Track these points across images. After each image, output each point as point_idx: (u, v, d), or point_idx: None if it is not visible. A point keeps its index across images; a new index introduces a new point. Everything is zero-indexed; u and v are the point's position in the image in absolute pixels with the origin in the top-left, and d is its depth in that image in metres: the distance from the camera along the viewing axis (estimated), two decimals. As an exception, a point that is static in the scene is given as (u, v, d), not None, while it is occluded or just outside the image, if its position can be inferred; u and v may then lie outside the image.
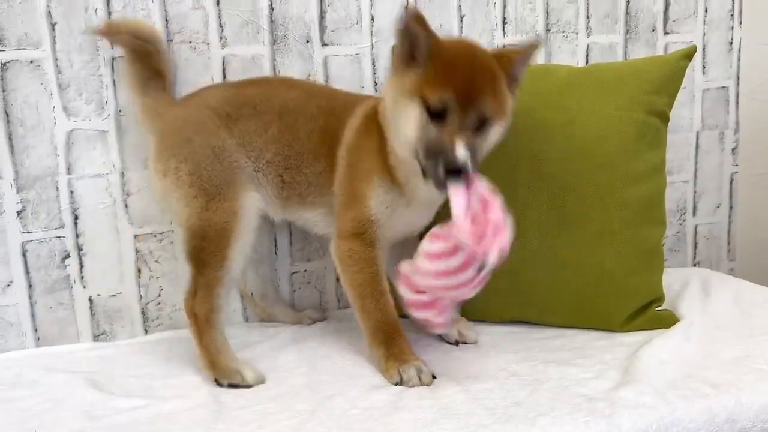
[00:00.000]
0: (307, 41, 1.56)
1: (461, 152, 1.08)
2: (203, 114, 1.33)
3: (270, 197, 1.37)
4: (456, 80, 1.12)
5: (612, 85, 1.45)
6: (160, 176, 1.32)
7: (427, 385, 1.18)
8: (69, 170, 1.45)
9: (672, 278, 1.61)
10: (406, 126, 1.16)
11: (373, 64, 1.62)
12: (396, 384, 1.18)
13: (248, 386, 1.21)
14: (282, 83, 1.43)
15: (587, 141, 1.40)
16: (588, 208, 1.38)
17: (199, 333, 1.27)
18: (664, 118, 1.48)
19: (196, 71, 1.50)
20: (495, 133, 1.19)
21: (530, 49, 1.21)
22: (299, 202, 1.38)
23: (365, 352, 1.32)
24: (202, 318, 1.26)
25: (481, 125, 1.15)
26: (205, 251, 1.27)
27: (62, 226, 1.46)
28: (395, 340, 1.24)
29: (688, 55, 1.50)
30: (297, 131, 1.34)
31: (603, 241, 1.38)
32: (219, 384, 1.23)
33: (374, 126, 1.29)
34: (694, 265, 1.91)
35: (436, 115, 1.12)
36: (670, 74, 1.48)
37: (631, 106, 1.42)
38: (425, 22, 1.13)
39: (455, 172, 1.07)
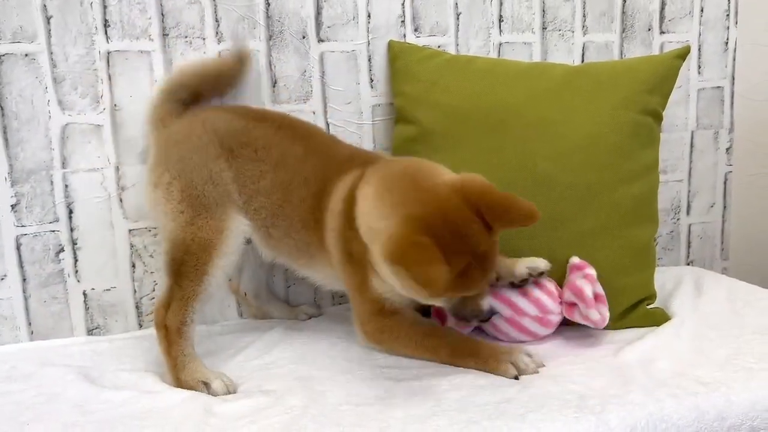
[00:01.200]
0: (304, 37, 1.56)
1: (486, 307, 1.19)
2: (207, 137, 1.32)
3: (259, 241, 1.36)
4: (471, 281, 1.11)
5: (606, 84, 1.47)
6: (152, 188, 1.32)
7: (542, 366, 1.20)
8: (64, 164, 1.45)
9: (665, 277, 1.62)
10: (429, 302, 1.20)
11: (369, 60, 1.62)
12: (515, 377, 1.16)
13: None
14: (288, 131, 1.36)
15: (580, 140, 1.41)
16: (580, 207, 1.38)
17: (168, 344, 1.24)
18: (658, 118, 1.49)
19: (192, 66, 1.50)
20: None
21: (523, 219, 1.12)
22: (290, 260, 1.38)
23: (358, 348, 1.33)
24: (173, 329, 1.24)
25: None
26: (186, 264, 1.25)
27: (57, 220, 1.46)
28: (478, 346, 1.23)
29: (682, 54, 1.51)
30: (290, 192, 1.31)
31: (594, 239, 1.39)
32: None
33: (352, 218, 1.21)
34: (688, 264, 1.92)
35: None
36: (663, 74, 1.49)
37: (624, 106, 1.43)
38: (436, 277, 1.03)
39: (485, 320, 1.23)
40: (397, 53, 1.60)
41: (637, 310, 1.40)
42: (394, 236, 1.07)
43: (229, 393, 1.18)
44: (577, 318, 1.29)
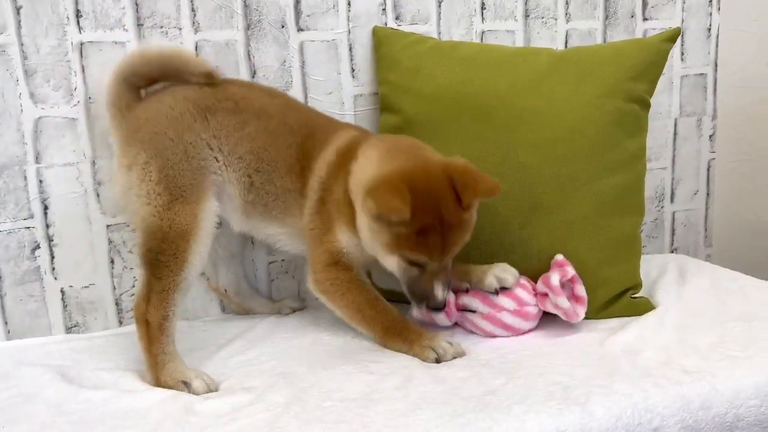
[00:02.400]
0: (283, 26, 1.53)
1: (440, 294, 1.22)
2: (180, 105, 1.29)
3: (235, 200, 1.33)
4: (430, 245, 1.19)
5: (590, 71, 1.44)
6: (125, 170, 1.27)
7: (461, 355, 1.23)
8: (37, 159, 1.41)
9: (649, 265, 1.62)
10: (386, 262, 1.25)
11: (350, 50, 1.59)
12: (435, 361, 1.21)
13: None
14: (264, 89, 1.42)
15: (562, 130, 1.39)
16: (562, 198, 1.37)
17: (148, 341, 1.20)
18: (645, 105, 1.46)
19: (168, 57, 1.46)
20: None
21: (486, 191, 1.22)
22: (263, 213, 1.36)
23: (342, 343, 1.31)
24: (155, 325, 1.20)
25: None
26: (165, 253, 1.22)
27: (31, 217, 1.42)
28: (408, 328, 1.28)
29: (672, 37, 1.46)
30: (276, 138, 1.33)
31: (577, 230, 1.38)
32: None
33: (345, 170, 1.29)
34: (672, 252, 1.92)
35: (414, 263, 1.21)
36: (651, 58, 1.45)
37: (609, 94, 1.41)
38: (397, 206, 1.13)
39: (436, 309, 1.26)
40: (381, 40, 1.58)
41: (620, 300, 1.39)
42: (377, 178, 1.19)
43: (210, 391, 1.16)
44: (549, 308, 1.30)
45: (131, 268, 1.50)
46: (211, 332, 1.44)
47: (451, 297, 1.33)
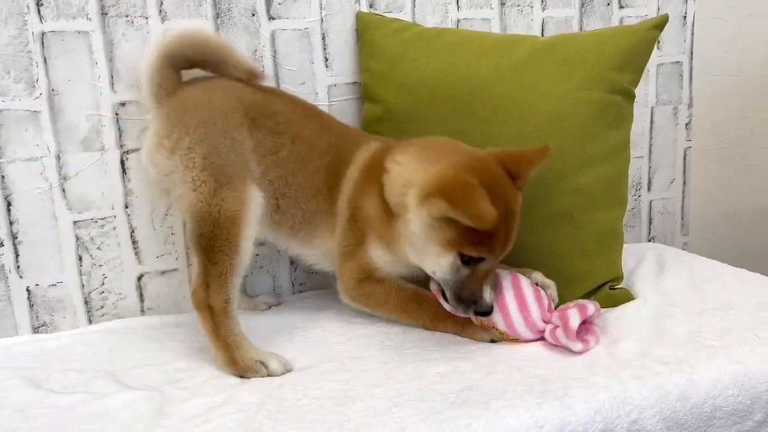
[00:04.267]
0: (253, 15, 1.49)
1: (488, 298, 1.18)
2: (232, 104, 1.28)
3: (263, 217, 1.31)
4: (493, 241, 1.15)
5: (573, 60, 1.39)
6: (166, 153, 1.24)
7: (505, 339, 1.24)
8: (-1, 154, 1.36)
9: (627, 254, 1.60)
10: (436, 265, 1.19)
11: (323, 39, 1.55)
12: (491, 341, 1.24)
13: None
14: (302, 108, 1.41)
15: (543, 122, 1.36)
16: (541, 192, 1.34)
17: (215, 327, 1.18)
18: (629, 96, 1.42)
19: (134, 47, 1.41)
20: None
21: (539, 156, 1.23)
22: (290, 234, 1.36)
23: (317, 338, 1.29)
24: (219, 309, 1.18)
25: None
26: (218, 238, 1.20)
27: (-6, 214, 1.37)
28: (451, 316, 1.26)
29: (659, 25, 1.41)
30: (305, 164, 1.33)
31: (557, 224, 1.36)
32: (243, 377, 1.16)
33: (374, 184, 1.28)
34: (649, 240, 1.93)
35: (469, 260, 1.17)
36: (636, 47, 1.39)
37: (591, 85, 1.36)
38: (486, 209, 1.08)
39: (484, 314, 1.20)
40: (364, 26, 1.54)
41: (599, 291, 1.39)
42: (443, 175, 1.15)
43: (287, 372, 1.16)
44: (558, 341, 1.20)
45: (100, 265, 1.46)
46: (184, 329, 1.41)
47: None
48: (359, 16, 1.55)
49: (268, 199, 1.31)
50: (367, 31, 1.54)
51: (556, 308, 1.25)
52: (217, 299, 1.19)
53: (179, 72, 1.32)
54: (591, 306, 1.22)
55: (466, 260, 1.16)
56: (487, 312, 1.19)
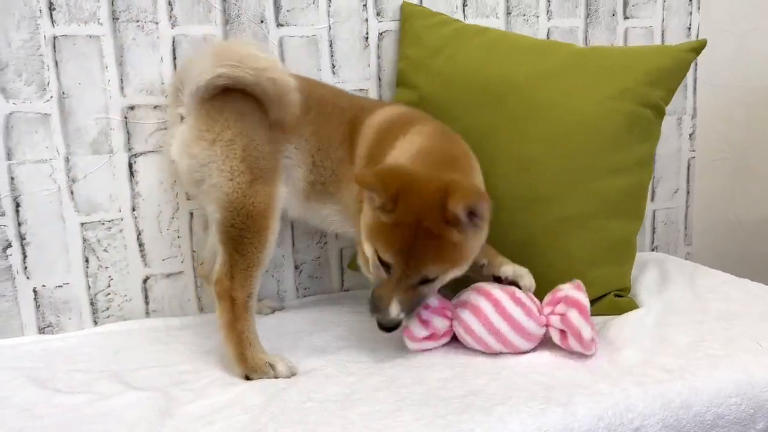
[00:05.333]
0: (262, 21, 1.51)
1: (393, 311, 1.14)
2: None
3: (298, 183, 1.35)
4: (398, 244, 1.12)
5: (609, 71, 1.43)
6: (206, 144, 1.25)
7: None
8: (9, 155, 1.37)
9: (630, 263, 1.62)
10: (367, 250, 1.18)
11: (331, 45, 1.57)
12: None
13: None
14: (312, 80, 1.46)
15: (573, 125, 1.39)
16: (562, 192, 1.36)
17: (233, 319, 1.19)
18: (659, 111, 1.45)
19: (145, 52, 1.43)
20: (447, 278, 1.18)
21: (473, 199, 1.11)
22: (321, 192, 1.38)
23: (321, 343, 1.30)
24: (240, 303, 1.19)
25: (425, 281, 1.16)
26: (249, 230, 1.22)
27: (2, 215, 1.38)
28: None
29: (696, 48, 1.46)
30: (330, 119, 1.37)
31: (572, 227, 1.37)
32: (248, 379, 1.17)
33: (391, 141, 1.29)
34: (653, 250, 1.93)
35: (384, 262, 1.15)
36: (672, 66, 1.44)
37: (623, 97, 1.40)
38: (377, 185, 1.10)
39: (382, 326, 1.16)
40: (407, 15, 1.59)
41: (604, 299, 1.39)
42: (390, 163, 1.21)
43: (292, 375, 1.17)
44: (571, 347, 1.19)
45: (106, 267, 1.47)
46: (188, 332, 1.42)
47: (441, 323, 1.23)
48: (403, 6, 1.60)
49: (305, 160, 1.34)
50: (409, 21, 1.58)
51: (534, 294, 1.24)
52: (240, 292, 1.20)
53: None
54: (583, 297, 1.19)
55: (382, 262, 1.15)
56: (387, 327, 1.15)
